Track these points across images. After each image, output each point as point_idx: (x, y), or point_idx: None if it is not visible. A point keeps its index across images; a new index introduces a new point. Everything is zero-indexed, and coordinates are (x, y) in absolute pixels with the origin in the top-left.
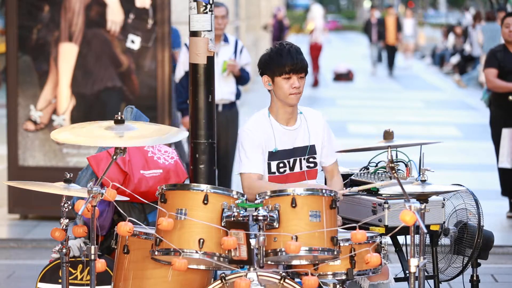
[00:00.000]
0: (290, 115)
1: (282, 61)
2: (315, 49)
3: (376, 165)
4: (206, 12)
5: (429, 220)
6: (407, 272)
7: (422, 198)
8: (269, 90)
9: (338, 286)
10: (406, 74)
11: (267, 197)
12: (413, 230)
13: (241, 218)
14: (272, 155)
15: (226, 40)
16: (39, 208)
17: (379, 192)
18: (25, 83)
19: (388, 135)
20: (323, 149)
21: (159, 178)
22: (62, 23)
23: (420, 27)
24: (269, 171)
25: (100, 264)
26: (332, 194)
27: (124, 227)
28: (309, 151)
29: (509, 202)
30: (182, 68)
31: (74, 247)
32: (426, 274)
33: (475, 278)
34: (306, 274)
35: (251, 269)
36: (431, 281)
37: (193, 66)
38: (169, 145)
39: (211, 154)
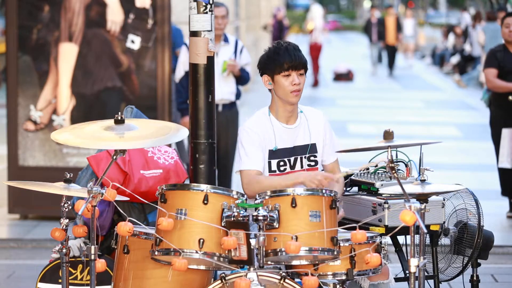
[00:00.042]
0: (290, 114)
1: (280, 59)
2: (315, 49)
3: (376, 165)
4: (206, 12)
5: (429, 220)
6: (407, 272)
7: (422, 198)
8: (269, 90)
9: (338, 286)
10: (406, 74)
11: (267, 197)
12: (413, 230)
13: (241, 218)
14: (273, 154)
15: (226, 40)
16: (39, 208)
17: (379, 192)
18: (25, 83)
19: (388, 135)
20: (324, 148)
21: (159, 178)
22: (62, 23)
23: (420, 27)
24: (270, 170)
25: (100, 264)
26: (332, 194)
27: (124, 227)
28: (310, 149)
29: (509, 202)
30: (182, 68)
31: (74, 247)
32: (426, 274)
33: (475, 278)
34: (306, 274)
35: (251, 269)
36: (431, 281)
37: (193, 66)
38: (169, 144)
39: (211, 154)
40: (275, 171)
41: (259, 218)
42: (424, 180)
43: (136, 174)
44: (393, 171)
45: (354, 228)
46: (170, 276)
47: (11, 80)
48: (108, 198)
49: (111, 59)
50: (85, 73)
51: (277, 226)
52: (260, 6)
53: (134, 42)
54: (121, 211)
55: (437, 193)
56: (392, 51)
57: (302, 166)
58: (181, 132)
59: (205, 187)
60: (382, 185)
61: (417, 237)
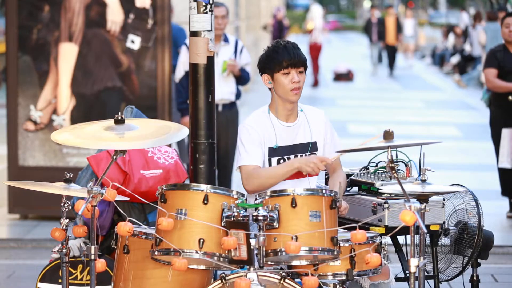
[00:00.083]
0: (290, 112)
1: (279, 57)
2: (315, 49)
3: (376, 165)
4: (206, 12)
5: (429, 220)
6: (407, 272)
7: (422, 198)
8: (269, 89)
9: (338, 286)
10: (406, 74)
11: (267, 197)
12: (413, 230)
13: (241, 218)
14: (273, 152)
15: (226, 40)
16: (39, 208)
17: (380, 191)
18: (25, 83)
19: (388, 135)
20: (325, 146)
21: (159, 178)
22: (62, 23)
23: (421, 27)
24: None
25: (100, 264)
26: (332, 194)
27: (124, 227)
28: (310, 148)
29: (509, 202)
30: (182, 68)
31: (74, 247)
32: (426, 274)
33: (475, 278)
34: (306, 274)
35: (251, 269)
36: (431, 281)
37: (193, 66)
38: (170, 144)
39: (211, 154)
40: None
41: (259, 218)
42: (425, 180)
43: (136, 174)
44: (393, 171)
45: (354, 228)
46: (170, 276)
47: (11, 80)
48: (108, 198)
49: (111, 59)
50: (85, 73)
51: (277, 226)
52: (260, 6)
53: (134, 42)
54: (121, 211)
55: (437, 194)
56: (392, 51)
57: None
58: (182, 132)
59: (205, 187)
60: (382, 185)
61: (417, 237)
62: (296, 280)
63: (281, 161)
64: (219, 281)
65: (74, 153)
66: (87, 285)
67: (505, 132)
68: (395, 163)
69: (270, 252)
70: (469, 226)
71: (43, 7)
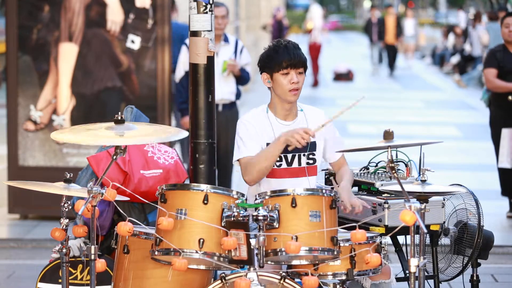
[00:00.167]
0: (288, 111)
1: (279, 57)
2: (314, 49)
3: (376, 165)
4: (206, 12)
5: (429, 220)
6: (407, 272)
7: (422, 198)
8: (268, 88)
9: (338, 286)
10: (406, 74)
11: (267, 197)
12: (413, 230)
13: (241, 218)
14: None
15: (226, 40)
16: (39, 208)
17: (380, 190)
18: (25, 83)
19: (388, 135)
20: (327, 146)
21: (159, 178)
22: (62, 23)
23: (421, 27)
24: None
25: (100, 264)
26: (332, 194)
27: (124, 227)
28: (309, 147)
29: (509, 202)
30: (182, 68)
31: (74, 247)
32: (426, 274)
33: (475, 278)
34: (306, 274)
35: (251, 269)
36: (431, 281)
37: (193, 66)
38: (170, 145)
39: (211, 154)
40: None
41: (259, 218)
42: (425, 180)
43: (136, 174)
44: (393, 171)
45: (354, 228)
46: (170, 276)
47: (11, 80)
48: (108, 198)
49: (111, 59)
50: (85, 73)
51: (277, 226)
52: (260, 6)
53: (134, 42)
54: (121, 211)
55: (437, 194)
56: (392, 51)
57: (300, 164)
58: (181, 133)
59: (205, 187)
60: (382, 185)
61: (417, 237)
62: (296, 280)
63: (277, 158)
64: (219, 281)
65: (74, 153)
66: (87, 285)
67: (505, 132)
68: (395, 163)
69: (270, 252)
70: (469, 226)
71: (43, 7)
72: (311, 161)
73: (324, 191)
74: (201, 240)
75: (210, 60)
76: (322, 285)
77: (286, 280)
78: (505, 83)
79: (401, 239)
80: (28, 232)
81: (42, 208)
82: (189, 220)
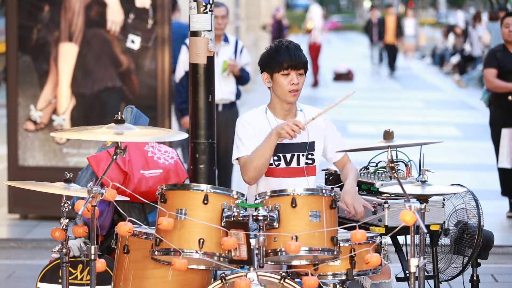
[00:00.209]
0: (288, 112)
1: (280, 58)
2: (314, 49)
3: (376, 165)
4: (206, 12)
5: (429, 220)
6: (407, 272)
7: (422, 198)
8: (268, 88)
9: (338, 286)
10: (406, 74)
11: (267, 197)
12: (413, 230)
13: (241, 218)
14: None
15: (226, 40)
16: (39, 208)
17: (380, 191)
18: (25, 83)
19: (388, 135)
20: (328, 146)
21: (159, 178)
22: (62, 23)
23: (421, 27)
24: None
25: (100, 264)
26: (332, 194)
27: (124, 227)
28: (308, 147)
29: (509, 202)
30: (182, 68)
31: (74, 247)
32: (426, 274)
33: (475, 278)
34: (306, 274)
35: (251, 269)
36: (431, 281)
37: (193, 66)
38: (170, 145)
39: (211, 154)
40: (271, 165)
41: (259, 218)
42: (425, 181)
43: (136, 174)
44: (393, 171)
45: (354, 228)
46: (170, 276)
47: (11, 80)
48: (108, 198)
49: (111, 59)
50: (85, 73)
51: (277, 226)
52: (260, 6)
53: (134, 42)
54: (121, 211)
55: (437, 195)
56: (392, 51)
57: (298, 164)
58: (180, 134)
59: (205, 187)
60: (382, 185)
61: (417, 237)
62: (296, 280)
63: (275, 157)
64: (219, 281)
65: (74, 153)
66: (87, 285)
67: (505, 132)
68: (395, 163)
69: (270, 252)
70: (469, 226)
71: (43, 7)
72: (310, 161)
73: (324, 191)
74: (201, 240)
75: (210, 60)
76: (322, 285)
77: (286, 280)
78: (505, 83)
79: (401, 239)
80: (28, 232)
81: (42, 208)
82: (189, 220)
